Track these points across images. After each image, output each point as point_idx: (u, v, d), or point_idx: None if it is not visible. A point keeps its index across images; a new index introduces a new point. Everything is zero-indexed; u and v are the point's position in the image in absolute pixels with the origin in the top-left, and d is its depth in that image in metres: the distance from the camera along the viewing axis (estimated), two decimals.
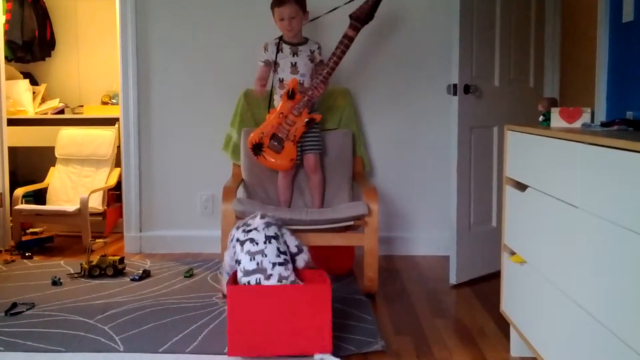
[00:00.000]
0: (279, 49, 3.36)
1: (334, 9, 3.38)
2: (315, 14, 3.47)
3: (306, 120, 3.27)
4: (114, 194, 4.57)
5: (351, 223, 3.15)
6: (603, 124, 2.10)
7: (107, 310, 2.83)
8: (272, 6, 3.33)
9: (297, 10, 3.27)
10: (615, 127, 2.02)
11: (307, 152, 3.39)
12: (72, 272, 3.46)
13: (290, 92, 3.27)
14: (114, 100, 4.95)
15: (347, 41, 3.19)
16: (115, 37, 4.04)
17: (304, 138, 3.34)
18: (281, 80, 3.37)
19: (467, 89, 3.22)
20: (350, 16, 3.20)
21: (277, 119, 3.29)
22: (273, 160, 3.31)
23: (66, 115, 4.91)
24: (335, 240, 3.14)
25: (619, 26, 2.83)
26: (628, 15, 2.73)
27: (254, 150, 3.31)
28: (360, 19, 3.17)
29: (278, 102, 3.37)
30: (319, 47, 3.41)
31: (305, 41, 3.40)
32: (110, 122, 4.63)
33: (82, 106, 5.01)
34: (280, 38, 3.40)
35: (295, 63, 3.35)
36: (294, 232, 2.80)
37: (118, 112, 4.17)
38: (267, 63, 3.40)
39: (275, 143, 3.28)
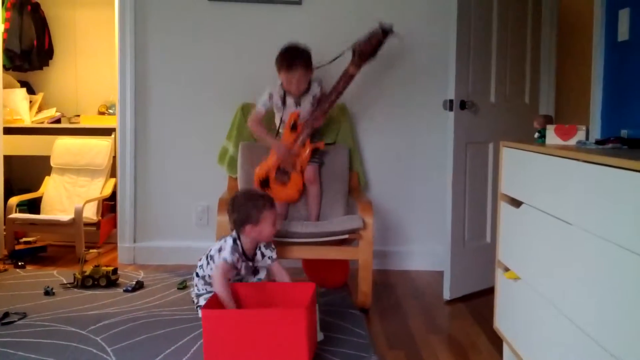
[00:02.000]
0: (283, 101, 3.36)
1: (334, 59, 3.31)
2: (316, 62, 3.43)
3: (310, 150, 3.33)
4: (109, 204, 4.57)
5: (346, 236, 3.15)
6: (598, 142, 2.11)
7: (100, 321, 2.82)
8: (279, 68, 3.27)
9: (305, 71, 3.26)
10: (610, 145, 2.03)
11: (308, 163, 3.39)
12: (65, 282, 3.44)
13: (293, 124, 3.33)
14: (110, 111, 4.96)
15: (348, 78, 3.23)
16: (114, 47, 4.05)
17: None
18: (282, 120, 3.41)
19: (463, 105, 3.24)
20: (354, 51, 3.17)
21: None
22: (281, 192, 3.35)
23: (62, 125, 4.92)
24: (331, 254, 3.14)
25: (614, 45, 2.85)
26: (623, 34, 2.75)
27: (261, 185, 3.35)
28: (364, 55, 3.17)
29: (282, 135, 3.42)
30: (320, 87, 3.39)
31: (308, 88, 3.36)
32: (106, 132, 4.63)
33: (78, 116, 5.01)
34: (285, 90, 3.37)
35: (298, 113, 3.35)
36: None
37: (114, 123, 4.17)
38: (267, 110, 3.39)
39: (282, 175, 3.33)
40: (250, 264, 2.81)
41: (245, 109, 3.69)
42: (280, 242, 3.03)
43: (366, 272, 3.07)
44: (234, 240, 2.75)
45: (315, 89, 3.39)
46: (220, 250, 2.74)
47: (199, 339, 2.61)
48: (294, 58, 3.24)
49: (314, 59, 3.34)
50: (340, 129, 3.71)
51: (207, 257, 2.84)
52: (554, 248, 1.89)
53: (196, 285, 2.91)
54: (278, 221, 2.82)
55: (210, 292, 2.79)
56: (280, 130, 3.44)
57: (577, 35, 4.39)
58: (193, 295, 2.93)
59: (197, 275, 2.90)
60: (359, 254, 3.08)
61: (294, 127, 3.33)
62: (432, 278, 3.77)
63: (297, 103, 3.38)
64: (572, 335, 1.73)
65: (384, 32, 3.16)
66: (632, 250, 1.40)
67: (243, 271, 2.80)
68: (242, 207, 2.74)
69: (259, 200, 2.76)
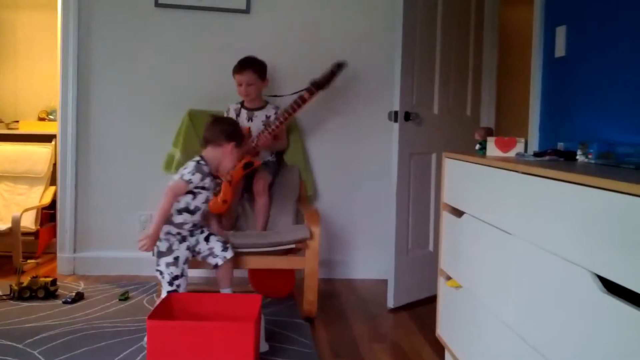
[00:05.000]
0: (237, 114, 3.54)
1: (294, 93, 3.50)
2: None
3: (244, 162, 3.34)
4: (48, 213, 4.44)
5: (293, 246, 3.16)
6: (536, 154, 2.18)
7: (38, 334, 2.73)
8: (233, 72, 3.50)
9: (255, 78, 3.47)
10: (547, 158, 2.10)
11: (258, 173, 3.44)
12: (0, 293, 3.32)
13: None
14: (51, 117, 4.83)
15: (300, 102, 3.38)
16: (56, 51, 3.95)
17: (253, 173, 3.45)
18: None
19: (407, 116, 3.30)
20: (310, 82, 3.40)
21: None
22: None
23: (0, 131, 4.76)
24: (277, 263, 3.14)
25: (551, 61, 2.96)
26: (560, 50, 2.85)
27: None
28: (317, 84, 3.38)
29: None
30: (276, 112, 3.53)
31: (263, 106, 3.57)
32: (46, 138, 4.51)
33: (17, 121, 4.86)
34: (242, 103, 3.57)
35: (249, 128, 3.48)
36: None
37: (55, 129, 4.06)
38: None
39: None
40: (218, 181, 2.90)
41: (192, 115, 3.68)
42: None
43: (312, 281, 3.08)
44: (197, 161, 2.74)
45: (270, 111, 3.54)
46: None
47: (141, 351, 2.56)
48: (246, 62, 3.47)
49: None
50: (290, 139, 3.74)
51: None
52: (494, 257, 1.94)
53: None
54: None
55: (167, 237, 2.74)
56: None
57: (517, 52, 4.53)
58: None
59: None
60: (305, 263, 3.09)
61: None
62: (376, 287, 3.81)
63: (250, 118, 3.52)
64: (511, 343, 1.78)
65: (338, 66, 3.41)
66: (568, 259, 1.45)
67: (209, 185, 2.77)
68: (234, 126, 2.86)
69: (244, 135, 2.93)
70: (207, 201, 2.81)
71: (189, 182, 2.68)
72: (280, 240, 3.13)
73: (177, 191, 2.68)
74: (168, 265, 2.72)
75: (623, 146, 2.02)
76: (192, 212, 2.76)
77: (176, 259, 2.73)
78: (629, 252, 1.20)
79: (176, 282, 2.71)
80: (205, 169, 2.73)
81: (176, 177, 2.71)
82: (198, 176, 2.69)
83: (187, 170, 2.70)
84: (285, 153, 3.71)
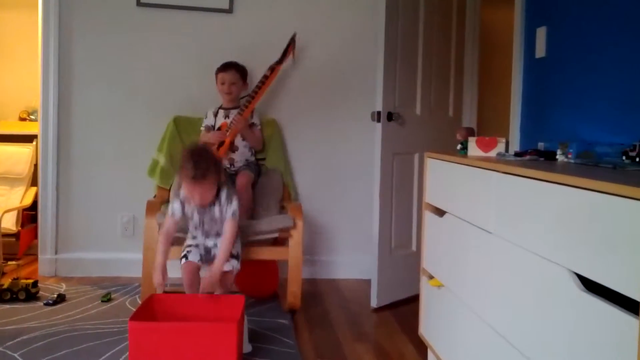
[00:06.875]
0: (215, 114, 3.61)
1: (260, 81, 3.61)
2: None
3: (218, 143, 3.43)
4: (29, 214, 4.40)
5: (276, 236, 3.15)
6: (517, 154, 2.20)
7: (19, 336, 2.71)
8: (216, 72, 3.60)
9: (238, 78, 3.57)
10: (528, 157, 2.12)
11: (240, 171, 3.48)
12: None
13: (218, 127, 3.53)
14: (32, 117, 4.79)
15: (264, 79, 3.55)
16: (37, 51, 3.92)
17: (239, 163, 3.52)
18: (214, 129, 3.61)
19: (390, 117, 3.31)
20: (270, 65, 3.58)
21: None
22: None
23: None
24: (260, 254, 3.13)
25: (532, 61, 2.98)
26: (540, 51, 2.88)
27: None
28: (276, 62, 3.58)
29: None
30: (252, 116, 3.62)
31: (239, 106, 3.60)
32: (27, 139, 4.47)
33: None
34: (220, 107, 3.63)
35: (226, 123, 3.55)
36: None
37: (36, 129, 4.03)
38: (207, 128, 3.60)
39: None
40: (206, 210, 2.76)
41: (177, 122, 3.69)
42: None
43: (296, 272, 3.08)
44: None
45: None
46: None
47: (123, 353, 2.55)
48: (230, 63, 3.58)
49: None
50: (270, 143, 3.75)
51: None
52: (475, 256, 1.95)
53: None
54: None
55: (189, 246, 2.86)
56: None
57: (498, 53, 4.57)
58: None
59: None
60: (289, 254, 3.09)
61: (218, 129, 3.54)
62: (359, 286, 3.82)
63: (227, 115, 3.57)
64: (492, 342, 1.79)
65: (291, 39, 3.64)
66: (548, 258, 1.46)
67: (196, 217, 2.78)
68: (185, 160, 2.65)
69: (189, 164, 2.61)
70: (199, 212, 2.77)
71: (172, 215, 2.76)
72: (261, 228, 3.12)
73: (165, 225, 2.78)
74: (188, 238, 2.88)
75: (602, 146, 2.05)
76: (190, 218, 2.81)
77: (195, 237, 2.84)
78: (607, 251, 1.22)
79: (187, 248, 2.82)
80: (181, 196, 2.78)
81: None
82: (177, 201, 2.77)
83: (171, 203, 2.82)
84: (266, 157, 3.71)
